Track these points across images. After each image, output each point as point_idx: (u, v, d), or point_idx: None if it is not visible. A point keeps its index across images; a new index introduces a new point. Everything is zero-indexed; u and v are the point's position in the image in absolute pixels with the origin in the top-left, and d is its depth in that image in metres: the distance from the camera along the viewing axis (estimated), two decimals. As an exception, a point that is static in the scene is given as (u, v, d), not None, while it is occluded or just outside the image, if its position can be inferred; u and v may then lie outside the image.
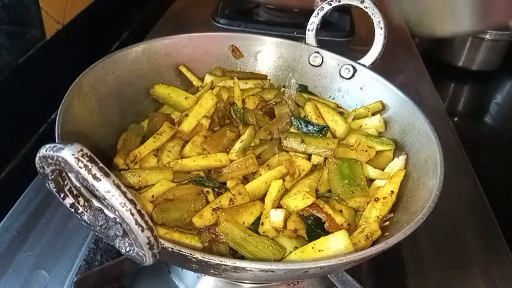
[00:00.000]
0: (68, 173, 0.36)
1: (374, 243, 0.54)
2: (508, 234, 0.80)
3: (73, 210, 0.38)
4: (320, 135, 0.67)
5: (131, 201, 0.31)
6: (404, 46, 1.41)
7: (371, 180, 0.63)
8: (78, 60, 0.62)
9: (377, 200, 0.59)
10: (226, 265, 0.39)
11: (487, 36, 1.57)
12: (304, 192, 0.57)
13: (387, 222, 0.57)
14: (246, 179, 0.62)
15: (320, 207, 0.56)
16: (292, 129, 0.69)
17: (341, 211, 0.58)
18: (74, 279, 0.64)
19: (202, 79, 0.78)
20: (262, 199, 0.59)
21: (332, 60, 0.77)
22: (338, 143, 0.65)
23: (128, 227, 0.32)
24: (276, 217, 0.55)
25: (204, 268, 0.42)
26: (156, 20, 1.37)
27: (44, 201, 0.76)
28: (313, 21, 0.78)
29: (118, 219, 0.35)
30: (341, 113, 0.74)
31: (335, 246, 0.51)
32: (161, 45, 0.75)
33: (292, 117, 0.69)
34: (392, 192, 0.59)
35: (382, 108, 0.71)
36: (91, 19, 1.01)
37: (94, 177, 0.30)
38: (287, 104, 0.73)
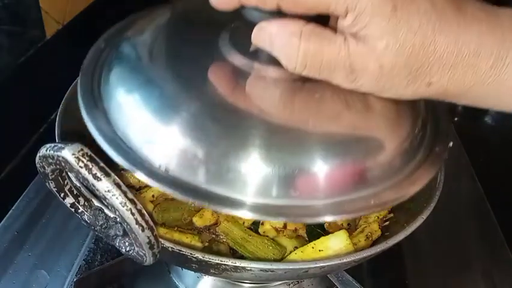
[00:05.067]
0: (69, 173, 0.36)
1: (374, 243, 0.54)
2: (508, 234, 0.80)
3: (73, 210, 0.38)
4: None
5: (132, 201, 0.31)
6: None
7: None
8: (78, 60, 0.62)
9: (377, 200, 0.59)
10: (227, 265, 0.39)
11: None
12: (305, 192, 0.57)
13: (387, 222, 0.57)
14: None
15: (320, 207, 0.56)
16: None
17: (341, 211, 0.57)
18: (74, 279, 0.64)
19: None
20: (262, 199, 0.59)
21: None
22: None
23: (128, 226, 0.32)
24: (276, 217, 0.55)
25: (204, 268, 0.42)
26: (156, 20, 1.37)
27: (44, 201, 0.76)
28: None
29: (118, 219, 0.35)
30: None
31: (335, 246, 0.51)
32: (162, 45, 0.75)
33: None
34: (392, 192, 0.59)
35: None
36: (91, 19, 1.01)
37: (95, 176, 0.30)
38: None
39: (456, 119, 1.09)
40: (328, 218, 0.40)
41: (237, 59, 0.44)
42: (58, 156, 0.30)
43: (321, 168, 0.39)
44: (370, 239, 0.54)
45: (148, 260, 0.35)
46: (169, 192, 0.37)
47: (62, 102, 0.52)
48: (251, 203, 0.38)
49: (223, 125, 0.40)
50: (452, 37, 0.37)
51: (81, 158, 0.30)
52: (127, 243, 0.36)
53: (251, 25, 0.40)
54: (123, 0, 1.24)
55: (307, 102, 0.42)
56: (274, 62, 0.41)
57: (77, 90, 0.45)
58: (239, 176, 0.38)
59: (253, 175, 0.38)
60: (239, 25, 0.46)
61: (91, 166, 0.30)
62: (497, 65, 0.37)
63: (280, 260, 0.51)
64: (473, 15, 0.38)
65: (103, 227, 0.37)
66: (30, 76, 0.82)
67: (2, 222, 0.72)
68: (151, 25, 0.52)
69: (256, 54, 0.43)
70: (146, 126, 0.40)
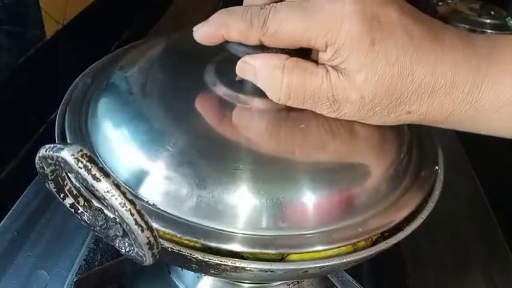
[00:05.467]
0: (68, 173, 0.36)
1: (374, 243, 0.54)
2: (508, 234, 0.80)
3: (72, 210, 0.38)
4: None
5: (131, 202, 0.31)
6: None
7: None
8: (78, 60, 0.62)
9: (376, 200, 0.59)
10: (226, 265, 0.39)
11: (487, 36, 1.57)
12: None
13: (387, 222, 0.57)
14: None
15: (319, 207, 0.56)
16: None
17: (340, 211, 0.57)
18: (74, 279, 0.64)
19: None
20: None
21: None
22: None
23: (128, 227, 0.32)
24: (276, 217, 0.55)
25: (203, 268, 0.42)
26: (157, 19, 1.37)
27: (44, 201, 0.76)
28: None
29: (117, 220, 0.35)
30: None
31: (334, 246, 0.51)
32: (161, 45, 0.75)
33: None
34: (392, 192, 0.59)
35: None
36: (91, 19, 1.01)
37: (94, 177, 0.30)
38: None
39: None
40: (318, 248, 0.40)
41: (223, 91, 0.45)
42: (57, 157, 0.30)
43: (308, 198, 0.40)
44: (370, 239, 0.54)
45: (148, 260, 0.35)
46: (158, 227, 0.38)
47: (62, 102, 0.52)
48: (240, 236, 0.39)
49: (210, 157, 0.40)
50: (430, 67, 0.38)
51: (80, 158, 0.30)
52: (126, 244, 0.36)
53: (236, 58, 0.42)
54: (122, 0, 1.24)
55: (293, 133, 0.43)
56: (259, 93, 0.42)
57: (65, 126, 0.47)
58: (228, 208, 0.39)
59: (241, 207, 0.39)
60: (224, 58, 0.47)
61: (90, 167, 0.30)
62: (473, 92, 0.39)
63: (280, 260, 0.51)
64: (450, 45, 0.39)
65: (103, 227, 0.37)
66: (30, 76, 0.83)
67: (2, 222, 0.72)
68: (137, 59, 0.53)
69: (242, 86, 0.44)
70: (134, 160, 0.41)
